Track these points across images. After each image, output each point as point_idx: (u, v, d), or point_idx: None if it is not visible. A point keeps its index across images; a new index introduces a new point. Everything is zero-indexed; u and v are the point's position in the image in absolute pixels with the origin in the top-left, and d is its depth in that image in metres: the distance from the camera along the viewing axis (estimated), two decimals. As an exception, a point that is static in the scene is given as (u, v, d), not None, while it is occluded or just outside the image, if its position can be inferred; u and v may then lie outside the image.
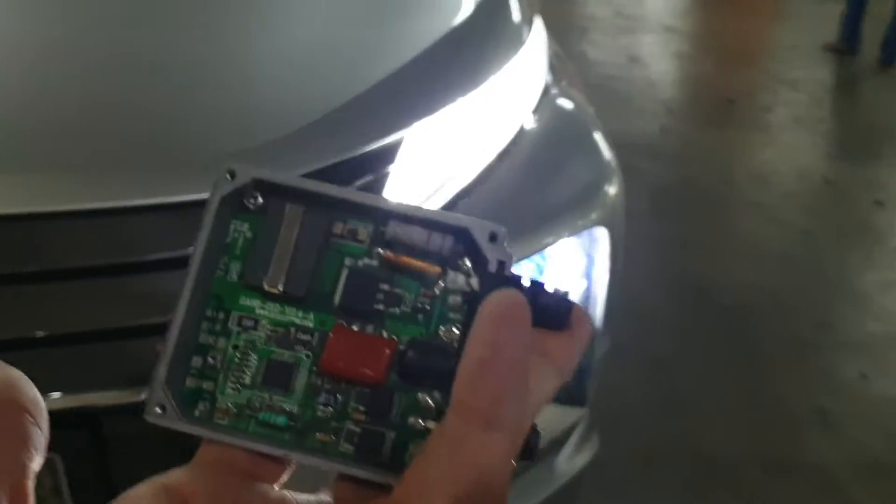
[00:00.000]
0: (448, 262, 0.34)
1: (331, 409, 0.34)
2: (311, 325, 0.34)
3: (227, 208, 0.35)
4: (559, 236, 1.18)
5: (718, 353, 2.57)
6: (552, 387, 0.32)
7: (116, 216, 0.92)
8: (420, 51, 1.20)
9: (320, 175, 1.00)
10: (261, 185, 0.35)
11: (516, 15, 1.40)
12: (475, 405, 0.29)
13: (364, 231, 0.34)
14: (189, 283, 0.34)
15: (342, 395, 0.34)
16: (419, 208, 0.34)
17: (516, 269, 0.33)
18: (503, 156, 1.21)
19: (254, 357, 0.34)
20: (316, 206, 0.34)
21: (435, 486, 0.28)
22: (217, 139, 1.02)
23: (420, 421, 0.34)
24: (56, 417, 0.80)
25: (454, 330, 0.34)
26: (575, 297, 0.31)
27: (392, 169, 1.06)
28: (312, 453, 0.34)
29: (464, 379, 0.29)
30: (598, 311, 1.27)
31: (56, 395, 0.85)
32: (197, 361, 0.34)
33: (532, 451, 0.33)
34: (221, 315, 0.34)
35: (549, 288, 0.33)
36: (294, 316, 0.34)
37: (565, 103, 1.39)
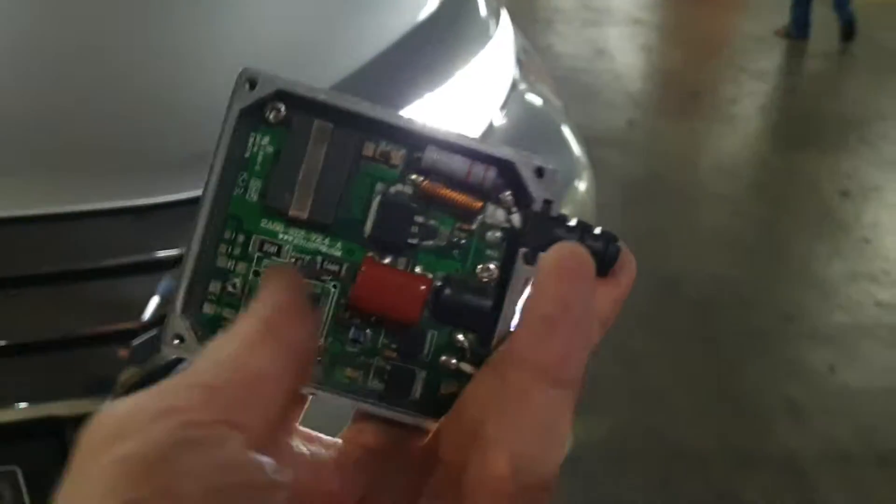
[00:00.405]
0: (489, 196, 0.32)
1: (359, 344, 0.32)
2: (338, 254, 0.32)
3: (246, 119, 0.32)
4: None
5: (687, 346, 2.59)
6: (595, 336, 0.31)
7: (74, 221, 0.89)
8: (384, 47, 1.18)
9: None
10: (284, 97, 0.32)
11: (482, 9, 1.39)
12: (542, 362, 0.27)
13: (398, 154, 0.32)
14: (206, 202, 0.31)
15: (372, 330, 0.32)
16: (461, 135, 0.31)
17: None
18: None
19: None
20: (345, 124, 0.31)
21: (496, 444, 0.27)
22: (173, 141, 0.99)
23: (453, 361, 0.32)
24: (16, 429, 0.78)
25: (492, 268, 0.32)
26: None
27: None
28: (340, 390, 0.32)
29: (528, 334, 0.28)
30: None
31: (19, 405, 0.82)
32: (215, 287, 0.32)
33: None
34: (241, 238, 0.32)
35: (597, 230, 0.31)
36: (320, 244, 0.32)
37: (534, 98, 1.38)
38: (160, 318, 0.85)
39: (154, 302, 0.86)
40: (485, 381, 0.30)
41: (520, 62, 1.39)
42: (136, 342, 0.85)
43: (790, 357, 2.57)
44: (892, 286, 2.92)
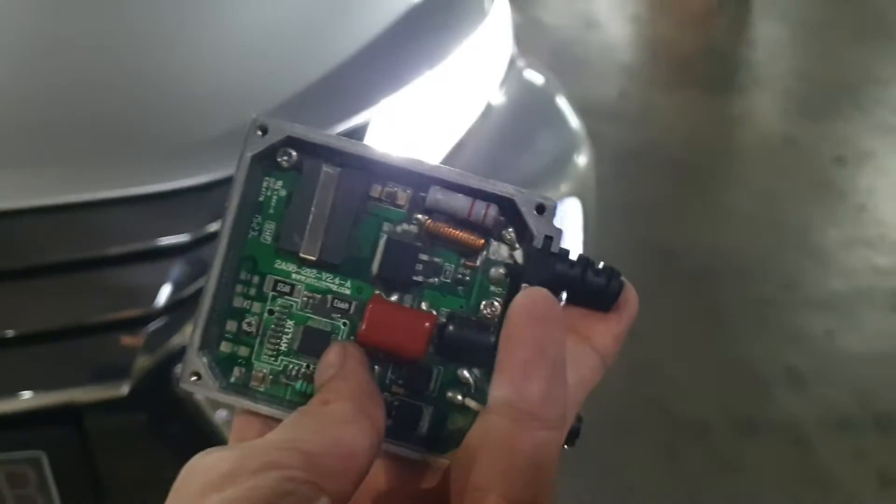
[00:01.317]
0: (491, 233, 0.33)
1: None
2: (348, 292, 0.33)
3: (258, 165, 0.33)
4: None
5: (685, 317, 2.60)
6: (596, 374, 0.32)
7: (83, 210, 0.90)
8: (382, 27, 1.19)
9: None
10: (294, 143, 0.33)
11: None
12: (525, 407, 0.29)
13: (403, 195, 0.33)
14: (222, 243, 0.33)
15: (380, 366, 0.33)
16: (463, 174, 0.33)
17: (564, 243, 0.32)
18: (471, 132, 1.21)
19: (290, 323, 0.33)
20: (353, 167, 0.33)
21: (490, 488, 0.29)
22: (173, 129, 1.00)
23: (459, 396, 0.33)
24: (38, 416, 0.79)
25: (496, 304, 0.33)
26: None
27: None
28: None
29: (508, 379, 0.29)
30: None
31: (34, 393, 0.84)
32: (232, 326, 0.33)
33: (575, 437, 0.32)
34: (256, 278, 0.33)
35: (599, 265, 0.32)
36: (331, 282, 0.33)
37: (532, 75, 1.39)
38: (173, 304, 0.87)
39: (166, 288, 0.87)
40: (474, 428, 0.31)
41: (517, 39, 1.40)
42: (149, 329, 0.86)
43: (788, 324, 2.59)
44: (888, 251, 2.93)
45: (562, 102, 1.39)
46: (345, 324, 0.33)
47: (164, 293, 0.86)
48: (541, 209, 0.32)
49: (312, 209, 0.33)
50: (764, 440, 2.18)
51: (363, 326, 0.32)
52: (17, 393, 0.82)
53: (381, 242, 0.33)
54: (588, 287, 0.32)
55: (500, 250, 0.33)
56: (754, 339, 2.52)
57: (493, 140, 1.21)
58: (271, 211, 0.33)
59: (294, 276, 0.33)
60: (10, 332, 0.85)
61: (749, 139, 3.76)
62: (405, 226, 0.33)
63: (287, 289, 0.33)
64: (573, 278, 0.32)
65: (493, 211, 0.32)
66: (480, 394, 0.32)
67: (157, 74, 1.05)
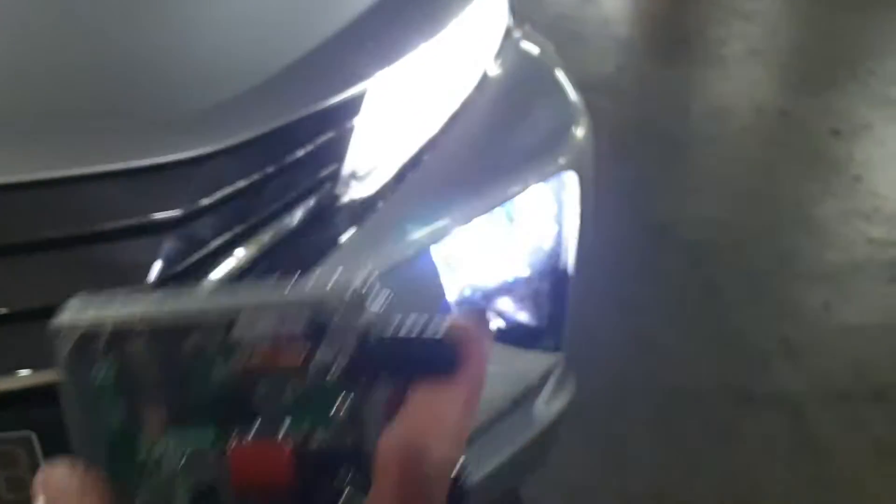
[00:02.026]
0: (312, 343, 0.32)
1: None
2: (208, 445, 0.33)
3: (76, 360, 0.33)
4: (528, 184, 1.16)
5: (682, 290, 2.60)
6: (456, 451, 0.31)
7: (72, 185, 0.89)
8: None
9: (285, 130, 0.97)
10: (93, 335, 0.33)
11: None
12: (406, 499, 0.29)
13: (214, 340, 0.33)
14: (84, 445, 0.33)
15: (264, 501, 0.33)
16: (268, 292, 0.32)
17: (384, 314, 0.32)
18: (468, 104, 1.19)
19: (181, 490, 0.33)
20: (161, 332, 0.33)
21: None
22: (163, 102, 0.98)
23: None
24: (28, 395, 0.78)
25: (342, 407, 0.32)
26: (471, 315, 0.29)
27: (356, 122, 1.04)
28: None
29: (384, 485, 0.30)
30: (570, 256, 1.26)
31: (26, 371, 0.82)
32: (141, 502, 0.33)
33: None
34: (131, 459, 0.33)
35: (437, 335, 0.31)
36: (193, 441, 0.33)
37: (528, 46, 1.37)
38: (164, 280, 0.85)
39: (157, 265, 0.85)
40: None
41: (513, 9, 1.38)
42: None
43: (785, 296, 2.58)
44: (883, 223, 2.92)
45: (559, 74, 1.37)
46: (220, 475, 0.33)
47: (156, 270, 0.84)
48: (357, 298, 0.31)
49: (142, 386, 0.33)
50: (760, 411, 2.18)
51: (232, 474, 0.32)
52: (6, 372, 0.81)
53: (215, 388, 0.33)
54: (423, 359, 0.31)
55: (325, 355, 0.32)
56: (751, 312, 2.51)
57: (489, 112, 1.20)
58: (108, 398, 0.33)
59: (158, 447, 0.33)
60: (2, 310, 0.84)
61: (745, 112, 3.74)
62: (226, 368, 0.33)
63: (158, 459, 0.33)
64: (404, 359, 0.32)
65: (304, 317, 0.32)
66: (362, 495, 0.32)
67: (146, 47, 1.03)
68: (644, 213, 2.92)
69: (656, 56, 4.33)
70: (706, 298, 2.56)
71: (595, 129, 1.32)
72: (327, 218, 0.98)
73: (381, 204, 1.04)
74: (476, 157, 1.16)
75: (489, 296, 1.26)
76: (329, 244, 0.97)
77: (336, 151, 1.00)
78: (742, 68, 4.19)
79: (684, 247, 2.77)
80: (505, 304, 1.28)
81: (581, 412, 2.00)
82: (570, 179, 1.22)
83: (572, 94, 1.34)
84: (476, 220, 1.13)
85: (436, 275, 1.12)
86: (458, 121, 1.17)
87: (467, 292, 1.25)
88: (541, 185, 1.19)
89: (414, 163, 1.08)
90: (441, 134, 1.14)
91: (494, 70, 1.25)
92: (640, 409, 2.16)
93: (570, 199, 1.23)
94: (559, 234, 1.25)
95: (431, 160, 1.09)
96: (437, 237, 1.09)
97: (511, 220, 1.23)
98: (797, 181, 3.20)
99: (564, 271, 1.27)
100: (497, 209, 1.17)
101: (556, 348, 1.30)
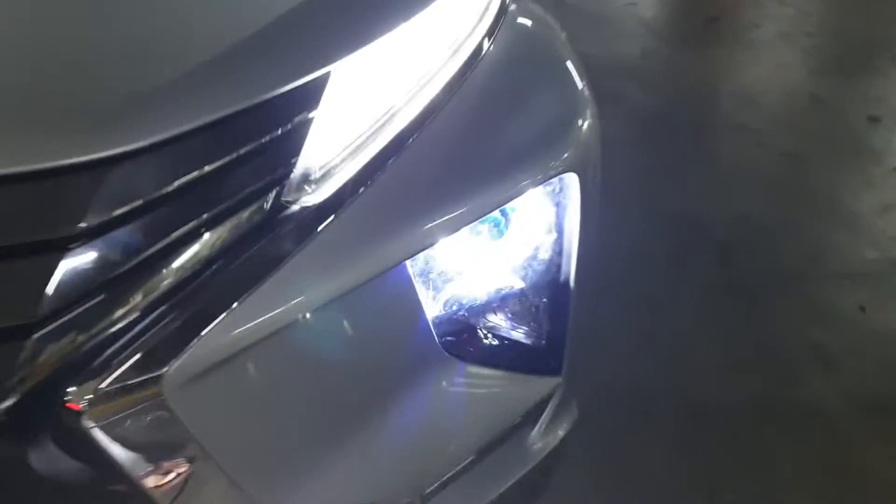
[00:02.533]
0: None
1: None
2: None
3: None
4: (522, 186, 0.99)
5: (708, 290, 2.43)
6: None
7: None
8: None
9: (221, 124, 0.81)
10: None
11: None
12: None
13: None
14: None
15: None
16: None
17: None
18: (454, 89, 1.02)
19: None
20: None
21: None
22: (80, 91, 0.80)
23: None
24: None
25: None
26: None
27: (314, 115, 0.87)
28: None
29: None
30: (571, 267, 1.10)
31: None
32: None
33: None
34: None
35: None
36: None
37: (527, 23, 1.19)
38: (60, 310, 0.70)
39: (51, 287, 0.70)
40: None
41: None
42: (34, 337, 0.70)
43: (818, 299, 2.41)
44: (926, 218, 2.74)
45: (564, 57, 1.20)
46: None
47: (48, 302, 0.69)
48: None
49: None
50: (789, 424, 2.02)
51: None
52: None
53: None
54: None
55: None
56: (781, 315, 2.36)
57: (477, 104, 1.03)
58: None
59: None
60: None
61: (776, 99, 3.55)
62: None
63: None
64: None
65: None
66: None
67: (56, 29, 0.86)
68: (669, 206, 2.75)
69: (685, 39, 4.14)
70: (733, 299, 2.39)
71: (619, 117, 1.16)
72: (273, 231, 0.82)
73: (341, 212, 0.87)
74: (462, 155, 0.99)
75: (478, 312, 1.10)
76: (272, 264, 0.81)
77: (286, 150, 0.84)
78: (773, 52, 3.99)
79: (711, 244, 2.60)
80: (497, 321, 1.12)
81: (596, 421, 1.84)
82: (572, 181, 1.05)
83: (579, 80, 1.17)
84: (461, 229, 0.96)
85: (412, 292, 0.96)
86: (443, 108, 1.00)
87: (453, 308, 1.09)
88: (538, 188, 1.03)
89: (383, 164, 0.91)
90: (422, 123, 0.97)
91: (485, 54, 1.08)
92: (658, 421, 2.00)
93: (571, 204, 1.07)
94: (559, 244, 1.09)
95: (405, 161, 0.92)
96: (411, 249, 0.92)
97: (503, 227, 1.07)
98: (832, 172, 3.02)
99: (565, 284, 1.11)
100: (487, 215, 1.00)
101: (556, 371, 1.14)
